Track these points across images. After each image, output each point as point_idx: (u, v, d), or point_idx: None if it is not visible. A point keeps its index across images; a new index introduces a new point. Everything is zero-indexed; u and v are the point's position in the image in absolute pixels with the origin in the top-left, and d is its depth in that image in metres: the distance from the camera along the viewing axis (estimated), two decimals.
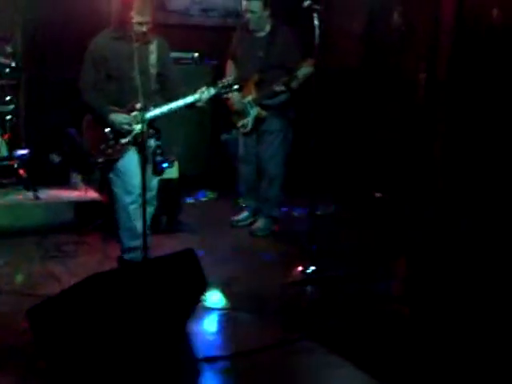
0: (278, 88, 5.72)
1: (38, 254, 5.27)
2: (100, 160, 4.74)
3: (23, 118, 7.33)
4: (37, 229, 5.78)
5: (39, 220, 5.95)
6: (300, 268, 4.81)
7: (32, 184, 6.24)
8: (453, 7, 6.62)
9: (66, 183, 6.59)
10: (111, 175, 4.78)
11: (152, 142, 4.61)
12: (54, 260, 5.15)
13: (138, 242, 4.59)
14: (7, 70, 6.47)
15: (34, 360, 3.37)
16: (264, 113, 5.88)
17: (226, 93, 4.91)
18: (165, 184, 6.01)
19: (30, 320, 3.23)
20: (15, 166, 6.40)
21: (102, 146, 4.71)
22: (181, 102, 4.72)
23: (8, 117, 6.45)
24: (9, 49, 6.83)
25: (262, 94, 5.83)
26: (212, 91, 4.77)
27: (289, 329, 3.99)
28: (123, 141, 4.71)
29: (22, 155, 6.59)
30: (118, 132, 4.69)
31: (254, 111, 5.90)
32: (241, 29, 6.11)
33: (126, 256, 4.87)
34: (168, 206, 6.13)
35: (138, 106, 4.47)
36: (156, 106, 4.66)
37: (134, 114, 4.64)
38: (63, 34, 6.57)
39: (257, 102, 5.87)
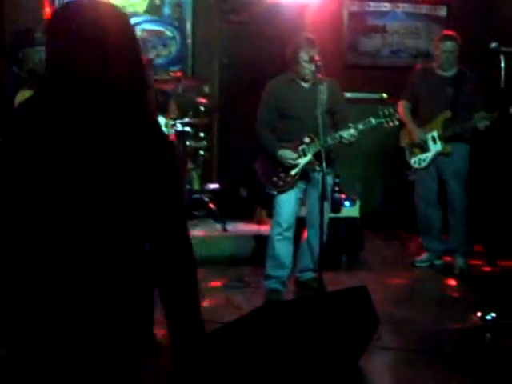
0: (482, 124, 5.65)
1: (222, 284, 5.52)
2: (272, 192, 5.08)
3: (216, 154, 7.74)
4: (222, 259, 6.08)
5: (225, 251, 6.24)
6: (479, 314, 4.64)
7: (221, 217, 6.57)
8: None
9: (252, 217, 6.82)
10: (274, 203, 5.12)
11: (329, 180, 4.72)
12: (235, 290, 5.37)
13: (280, 273, 5.07)
14: (202, 108, 6.90)
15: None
16: (450, 148, 5.84)
17: (388, 122, 4.98)
18: (346, 222, 6.11)
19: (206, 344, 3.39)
20: (206, 199, 6.77)
21: (274, 179, 5.03)
22: (337, 136, 4.91)
23: (201, 152, 6.86)
24: (206, 89, 7.28)
25: (453, 129, 5.82)
26: (373, 121, 4.96)
27: (462, 375, 3.87)
28: (293, 172, 5.00)
29: (213, 189, 6.97)
30: (287, 166, 5.00)
31: (438, 146, 5.87)
32: (421, 70, 6.19)
33: (267, 283, 5.14)
34: (349, 244, 6.18)
35: (306, 140, 4.94)
36: (322, 140, 4.83)
37: (302, 147, 4.99)
38: (256, 76, 6.87)
39: (443, 137, 5.86)
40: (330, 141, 4.88)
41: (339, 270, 5.98)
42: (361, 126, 4.93)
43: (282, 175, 5.03)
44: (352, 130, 4.89)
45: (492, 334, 4.49)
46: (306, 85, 5.06)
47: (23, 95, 4.94)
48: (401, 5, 8.11)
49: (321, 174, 4.61)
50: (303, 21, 7.87)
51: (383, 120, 4.99)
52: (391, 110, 5.00)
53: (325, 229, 5.06)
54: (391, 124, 5.03)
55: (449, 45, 5.88)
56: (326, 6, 7.96)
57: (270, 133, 5.10)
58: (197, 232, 6.41)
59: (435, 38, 6.23)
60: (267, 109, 5.11)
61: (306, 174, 5.07)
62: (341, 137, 4.89)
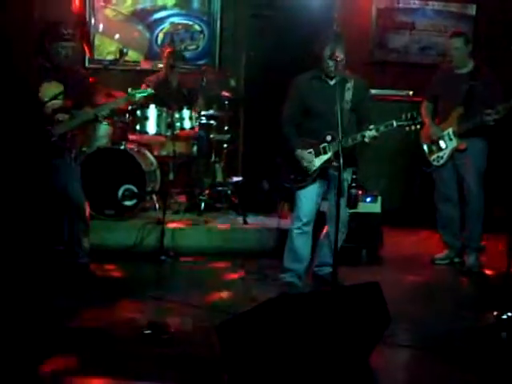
0: (490, 117, 5.64)
1: (241, 276, 5.59)
2: (290, 187, 5.16)
3: (241, 147, 7.80)
4: (242, 252, 6.14)
5: (245, 244, 6.29)
6: (495, 313, 4.63)
7: (242, 210, 6.62)
8: None
9: (273, 210, 6.85)
10: (295, 198, 5.17)
11: (345, 175, 4.72)
12: (254, 283, 5.41)
13: (297, 266, 5.14)
14: (226, 102, 6.97)
15: (218, 372, 3.56)
16: (464, 144, 5.85)
17: (410, 126, 4.95)
18: (366, 218, 6.12)
19: (218, 334, 3.45)
20: (229, 191, 6.83)
21: (293, 175, 5.09)
22: (359, 136, 4.93)
23: (225, 145, 6.93)
24: (232, 82, 7.34)
25: (465, 125, 5.81)
26: (394, 124, 4.94)
27: (476, 374, 3.85)
28: (311, 170, 5.05)
29: (236, 182, 7.03)
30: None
31: (453, 143, 5.88)
32: (442, 69, 6.23)
33: (283, 277, 5.20)
34: (369, 239, 6.20)
35: (328, 138, 4.98)
36: (342, 139, 4.84)
37: (323, 145, 5.02)
38: (282, 71, 6.91)
39: (457, 134, 5.86)
40: (350, 141, 4.91)
41: (358, 265, 6.01)
42: (382, 128, 4.93)
43: (301, 171, 5.08)
44: (373, 132, 4.90)
45: (508, 333, 4.48)
46: (331, 82, 5.06)
47: (48, 87, 5.03)
48: (430, 2, 8.11)
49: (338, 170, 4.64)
50: (331, 16, 7.89)
51: (405, 123, 4.96)
52: (414, 114, 5.00)
53: (345, 224, 5.13)
54: (413, 128, 4.98)
55: (453, 42, 5.90)
56: (355, 1, 7.97)
57: (292, 129, 5.14)
58: (218, 224, 6.50)
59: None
60: (292, 105, 5.15)
61: (326, 171, 5.11)
62: (362, 137, 4.92)
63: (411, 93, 7.68)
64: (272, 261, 5.79)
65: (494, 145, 6.03)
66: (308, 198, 5.12)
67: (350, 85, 5.02)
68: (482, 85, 5.80)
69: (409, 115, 5.00)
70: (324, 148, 5.03)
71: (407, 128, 5.01)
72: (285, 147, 5.18)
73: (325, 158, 5.03)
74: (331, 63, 4.88)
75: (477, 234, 6.00)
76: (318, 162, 5.04)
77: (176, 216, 6.59)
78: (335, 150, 4.95)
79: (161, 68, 7.23)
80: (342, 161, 4.48)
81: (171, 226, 6.19)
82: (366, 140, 4.93)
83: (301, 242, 5.15)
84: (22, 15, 7.15)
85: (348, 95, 5.00)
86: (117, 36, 7.81)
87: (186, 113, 6.45)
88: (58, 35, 4.99)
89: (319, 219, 5.31)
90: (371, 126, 4.92)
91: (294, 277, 5.17)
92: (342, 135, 4.62)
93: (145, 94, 5.59)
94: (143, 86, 6.77)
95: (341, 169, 4.48)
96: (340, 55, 4.85)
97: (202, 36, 7.90)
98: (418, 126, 5.06)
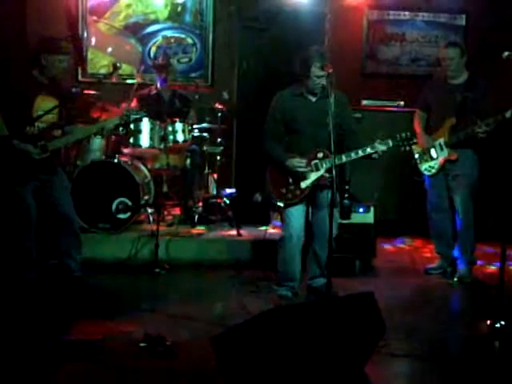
0: (480, 129, 5.65)
1: (235, 288, 5.59)
2: (280, 203, 5.16)
3: (234, 159, 7.83)
4: (236, 264, 6.17)
5: (239, 256, 6.30)
6: (488, 322, 4.65)
7: (236, 221, 6.64)
8: None
9: (267, 222, 6.86)
10: (284, 216, 5.19)
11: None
12: (248, 294, 5.40)
13: (291, 284, 5.21)
14: (219, 114, 7.00)
15: None
16: (455, 155, 5.86)
17: (404, 146, 5.00)
18: (360, 228, 6.14)
19: (214, 347, 3.46)
20: (222, 203, 6.85)
21: (283, 191, 5.08)
22: (356, 153, 4.97)
23: (218, 158, 6.95)
24: (225, 95, 7.37)
25: (456, 136, 5.82)
26: (390, 143, 4.99)
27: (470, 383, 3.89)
28: (303, 186, 5.04)
29: (230, 194, 7.05)
30: (297, 177, 5.03)
31: (444, 153, 5.90)
32: (435, 79, 6.28)
33: (278, 290, 5.26)
34: (363, 250, 6.22)
35: (319, 155, 4.97)
36: (338, 156, 4.87)
37: (314, 162, 5.02)
38: (275, 83, 6.93)
39: (448, 144, 5.88)
40: (344, 158, 4.95)
41: (352, 275, 6.02)
42: (378, 146, 4.98)
43: (291, 187, 5.07)
44: (369, 149, 4.95)
45: (501, 341, 4.50)
46: (313, 98, 5.08)
47: (42, 100, 5.05)
48: (420, 13, 8.18)
49: (329, 180, 4.66)
50: (323, 29, 7.94)
51: (400, 143, 5.02)
52: (409, 135, 5.05)
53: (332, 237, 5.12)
54: (407, 148, 5.09)
55: (449, 52, 5.87)
56: (346, 14, 8.02)
57: (277, 144, 5.12)
58: (211, 236, 6.52)
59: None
60: (274, 121, 5.14)
61: (314, 191, 5.11)
62: (357, 155, 4.95)
63: (402, 103, 7.72)
64: (266, 273, 5.79)
65: (489, 157, 6.06)
66: (296, 215, 5.13)
67: (331, 100, 4.93)
68: (476, 96, 5.80)
69: (403, 135, 5.05)
70: (316, 165, 5.03)
71: (402, 148, 5.07)
72: (273, 163, 5.15)
73: (317, 174, 5.03)
74: (321, 81, 4.89)
75: (468, 246, 6.01)
76: (310, 179, 5.05)
77: (170, 228, 6.60)
78: (327, 167, 4.97)
79: (153, 81, 7.25)
80: (334, 172, 4.51)
81: (165, 238, 6.20)
82: (361, 156, 4.98)
83: (293, 261, 5.18)
84: (14, 30, 7.19)
85: (332, 111, 4.98)
86: (109, 49, 7.84)
87: (178, 126, 6.49)
88: (55, 48, 5.01)
89: (309, 232, 5.34)
90: (366, 146, 4.96)
91: (288, 291, 5.20)
92: (335, 154, 4.65)
93: (138, 116, 5.63)
94: (135, 99, 6.82)
95: (334, 180, 4.51)
96: (327, 72, 4.80)
97: (194, 49, 7.94)
98: (414, 147, 5.14)
